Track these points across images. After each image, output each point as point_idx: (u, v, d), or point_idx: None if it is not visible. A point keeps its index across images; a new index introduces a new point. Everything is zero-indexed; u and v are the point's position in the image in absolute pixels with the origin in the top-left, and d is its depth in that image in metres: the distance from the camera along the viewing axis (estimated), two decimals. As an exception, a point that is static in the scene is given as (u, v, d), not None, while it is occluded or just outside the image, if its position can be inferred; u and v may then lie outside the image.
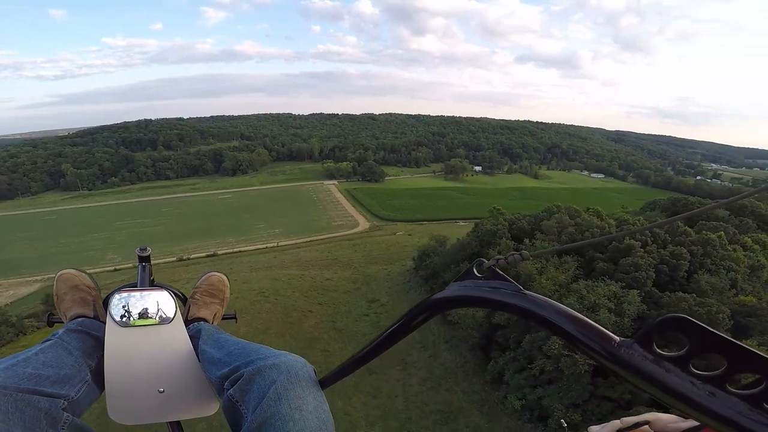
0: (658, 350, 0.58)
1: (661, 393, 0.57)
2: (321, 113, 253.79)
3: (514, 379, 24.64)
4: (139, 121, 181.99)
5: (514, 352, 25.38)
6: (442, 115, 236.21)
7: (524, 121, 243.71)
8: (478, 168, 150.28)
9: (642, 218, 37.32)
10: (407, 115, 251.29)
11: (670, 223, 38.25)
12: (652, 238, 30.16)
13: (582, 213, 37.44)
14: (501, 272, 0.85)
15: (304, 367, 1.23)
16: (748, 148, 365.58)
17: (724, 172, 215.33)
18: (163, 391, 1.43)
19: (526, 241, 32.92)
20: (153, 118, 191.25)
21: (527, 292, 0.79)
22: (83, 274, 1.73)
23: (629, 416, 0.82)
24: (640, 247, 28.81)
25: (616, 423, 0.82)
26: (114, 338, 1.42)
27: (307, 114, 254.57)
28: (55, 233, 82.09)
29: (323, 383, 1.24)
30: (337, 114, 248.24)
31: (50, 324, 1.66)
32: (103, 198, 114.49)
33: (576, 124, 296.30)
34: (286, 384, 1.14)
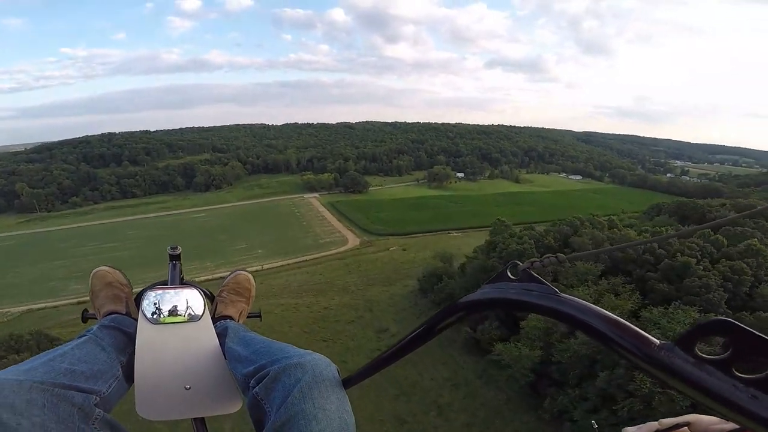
0: (699, 353, 0.58)
1: (702, 396, 0.57)
2: (295, 123, 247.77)
3: (586, 418, 21.59)
4: (102, 135, 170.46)
5: (579, 389, 22.13)
6: (418, 122, 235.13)
7: (498, 125, 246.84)
8: (460, 174, 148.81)
9: (669, 227, 35.32)
10: (384, 122, 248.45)
11: (702, 229, 36.39)
12: (700, 252, 27.63)
13: (605, 225, 34.79)
14: (536, 275, 0.85)
15: (328, 367, 1.25)
16: (706, 144, 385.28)
17: (691, 169, 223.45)
18: (190, 387, 1.45)
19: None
20: (117, 132, 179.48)
21: (563, 294, 0.79)
22: (117, 271, 1.80)
23: (668, 417, 0.80)
24: (696, 264, 26.15)
25: (654, 424, 0.80)
26: (145, 335, 1.47)
27: (280, 124, 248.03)
28: (9, 261, 73.01)
29: (346, 383, 1.25)
30: (313, 123, 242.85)
31: (84, 320, 1.70)
32: (63, 220, 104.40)
33: (546, 127, 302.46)
34: (310, 383, 1.16)
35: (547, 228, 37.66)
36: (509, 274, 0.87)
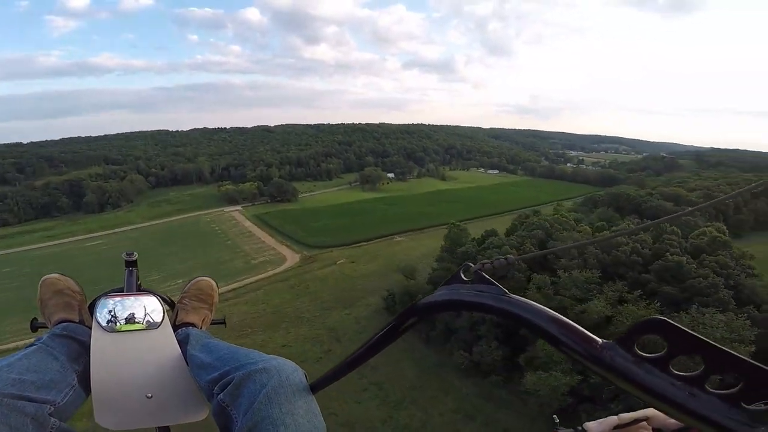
0: (639, 352, 0.59)
1: (642, 393, 0.58)
2: (204, 128, 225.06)
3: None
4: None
5: (616, 402, 20.20)
6: (343, 123, 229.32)
7: (418, 124, 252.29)
8: (390, 175, 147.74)
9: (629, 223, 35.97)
10: (306, 125, 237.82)
11: (663, 222, 37.48)
12: (680, 249, 27.50)
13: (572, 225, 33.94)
14: (487, 276, 0.87)
15: (295, 371, 1.25)
16: (591, 134, 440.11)
17: (585, 158, 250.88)
18: (152, 396, 1.43)
19: (562, 272, 27.67)
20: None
21: (512, 295, 0.82)
22: (68, 278, 1.74)
23: (627, 412, 0.81)
24: (687, 263, 25.72)
25: (614, 419, 0.82)
26: (100, 343, 1.43)
27: (187, 129, 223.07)
28: None
29: (314, 388, 1.26)
30: (225, 128, 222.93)
31: (34, 329, 1.64)
32: None
33: (461, 125, 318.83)
34: (276, 388, 1.15)
35: (521, 234, 36.02)
36: (462, 276, 0.90)
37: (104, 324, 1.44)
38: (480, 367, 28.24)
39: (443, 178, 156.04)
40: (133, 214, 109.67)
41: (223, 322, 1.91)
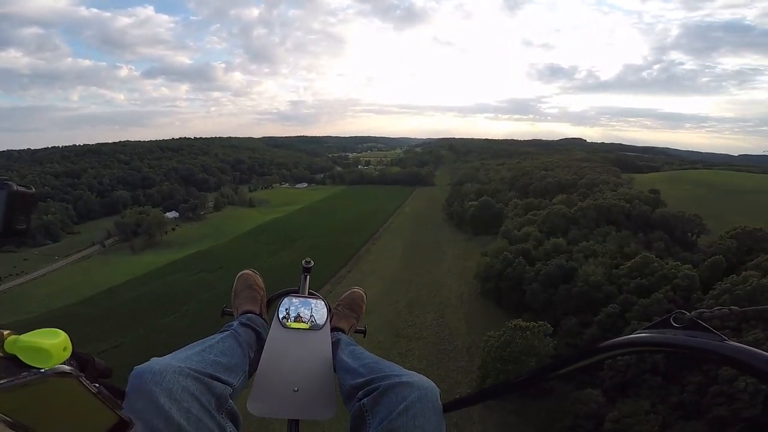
0: None
1: None
2: None
3: None
4: None
5: None
6: (57, 146, 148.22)
7: (184, 138, 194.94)
8: (172, 215, 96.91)
9: None
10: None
11: None
12: None
13: None
14: (703, 323, 0.83)
15: (433, 390, 1.31)
16: (353, 136, 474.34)
17: (362, 158, 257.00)
18: (297, 390, 1.52)
19: None
20: None
21: (736, 343, 0.77)
22: (257, 275, 2.01)
23: None
24: None
25: None
26: (274, 336, 1.63)
27: None
28: None
29: (446, 408, 1.31)
30: None
31: (222, 314, 1.88)
32: None
33: (234, 136, 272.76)
34: (415, 402, 1.23)
35: None
36: (673, 323, 0.88)
37: (280, 319, 1.67)
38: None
39: (250, 204, 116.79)
40: None
41: (364, 332, 2.04)
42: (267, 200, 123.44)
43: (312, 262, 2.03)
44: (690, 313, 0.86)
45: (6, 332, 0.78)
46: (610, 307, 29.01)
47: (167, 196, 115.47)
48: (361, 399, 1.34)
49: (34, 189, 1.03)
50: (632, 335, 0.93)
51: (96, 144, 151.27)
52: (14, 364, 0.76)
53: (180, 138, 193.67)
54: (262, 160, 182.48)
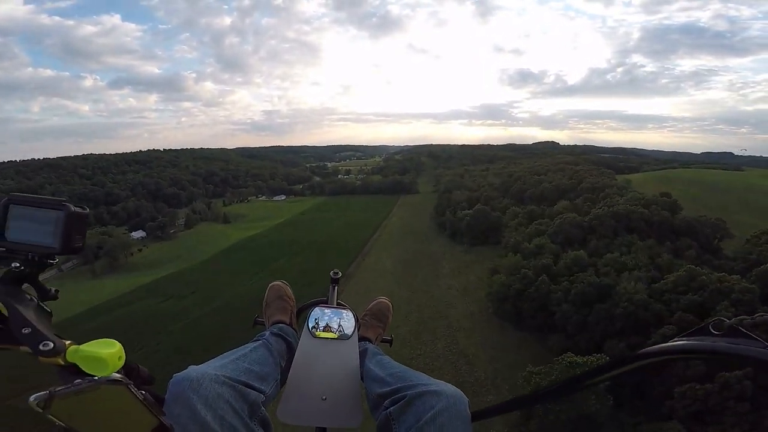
0: None
1: None
2: None
3: None
4: None
5: None
6: (14, 161, 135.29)
7: (152, 150, 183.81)
8: (138, 235, 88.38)
9: None
10: None
11: None
12: None
13: None
14: (744, 330, 0.81)
15: (461, 399, 1.31)
16: (332, 145, 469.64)
17: (341, 167, 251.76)
18: (326, 398, 1.53)
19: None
20: None
21: None
22: (287, 286, 2.06)
23: None
24: None
25: None
26: (305, 345, 1.67)
27: None
28: None
29: (474, 416, 1.31)
30: None
31: (254, 324, 1.93)
32: None
33: (206, 147, 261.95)
34: (443, 411, 1.23)
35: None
36: (712, 330, 0.86)
37: (310, 329, 1.71)
38: None
39: (226, 220, 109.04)
40: None
41: (390, 341, 2.06)
42: (243, 214, 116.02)
43: (340, 273, 2.09)
44: (728, 321, 0.84)
45: (68, 342, 0.85)
46: (666, 329, 24.78)
47: (133, 213, 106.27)
48: (387, 408, 1.35)
49: (88, 209, 1.09)
50: (670, 342, 0.91)
51: (56, 158, 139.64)
52: (71, 372, 0.83)
53: (148, 150, 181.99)
54: (236, 172, 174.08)
